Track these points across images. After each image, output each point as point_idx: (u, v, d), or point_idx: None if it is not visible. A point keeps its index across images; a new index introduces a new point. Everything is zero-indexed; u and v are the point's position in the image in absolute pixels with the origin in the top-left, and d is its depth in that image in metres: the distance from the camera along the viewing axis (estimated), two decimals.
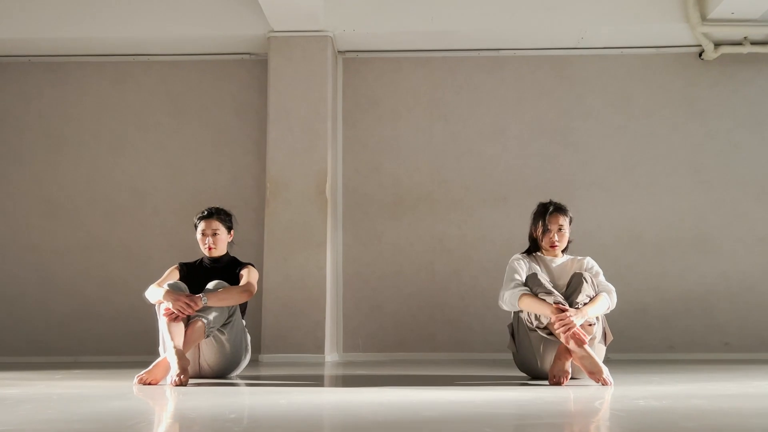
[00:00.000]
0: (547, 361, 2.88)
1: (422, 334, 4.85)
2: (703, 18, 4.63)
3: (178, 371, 2.65)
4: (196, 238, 3.27)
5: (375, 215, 4.98)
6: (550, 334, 2.77)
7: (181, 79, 5.17)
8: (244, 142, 5.05)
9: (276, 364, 4.09)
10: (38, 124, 5.11)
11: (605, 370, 2.61)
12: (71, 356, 4.78)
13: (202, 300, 2.88)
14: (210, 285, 2.98)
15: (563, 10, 4.77)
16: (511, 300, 2.88)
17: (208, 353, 2.99)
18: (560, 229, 3.05)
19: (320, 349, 4.42)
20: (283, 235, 4.58)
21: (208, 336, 2.88)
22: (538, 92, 5.09)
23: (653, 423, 1.68)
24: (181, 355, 2.69)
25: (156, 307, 2.90)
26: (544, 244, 3.08)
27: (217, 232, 3.20)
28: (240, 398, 2.28)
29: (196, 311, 2.84)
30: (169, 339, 2.75)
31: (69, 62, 5.17)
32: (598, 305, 2.79)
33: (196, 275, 3.15)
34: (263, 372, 3.54)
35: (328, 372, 3.56)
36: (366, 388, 2.60)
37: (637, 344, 4.73)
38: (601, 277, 3.04)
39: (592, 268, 3.07)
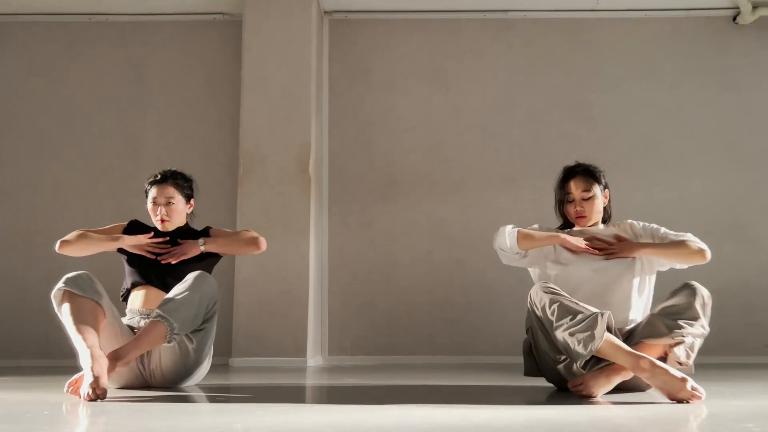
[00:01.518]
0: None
1: (419, 335, 4.22)
2: None
3: (91, 379, 1.97)
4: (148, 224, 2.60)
5: (365, 198, 4.34)
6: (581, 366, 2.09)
7: (144, 42, 4.51)
8: (215, 114, 4.40)
9: (248, 370, 3.43)
10: None
11: (689, 380, 1.94)
12: (12, 360, 4.09)
13: (200, 245, 2.44)
14: (171, 293, 2.27)
15: None
16: (507, 239, 2.31)
17: (165, 359, 2.32)
18: (587, 198, 2.43)
19: (301, 352, 3.77)
20: (259, 219, 3.92)
21: (169, 342, 2.19)
22: (550, 60, 4.49)
23: None
24: (97, 355, 2.01)
25: (54, 302, 2.18)
26: (571, 218, 2.47)
27: (172, 200, 2.53)
28: (177, 421, 1.63)
29: (161, 308, 2.16)
30: (77, 334, 2.05)
31: (12, 22, 4.49)
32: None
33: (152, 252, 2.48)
34: (231, 381, 2.89)
35: (309, 381, 2.91)
36: (354, 406, 1.95)
37: None
38: (663, 231, 2.42)
39: (639, 232, 2.43)
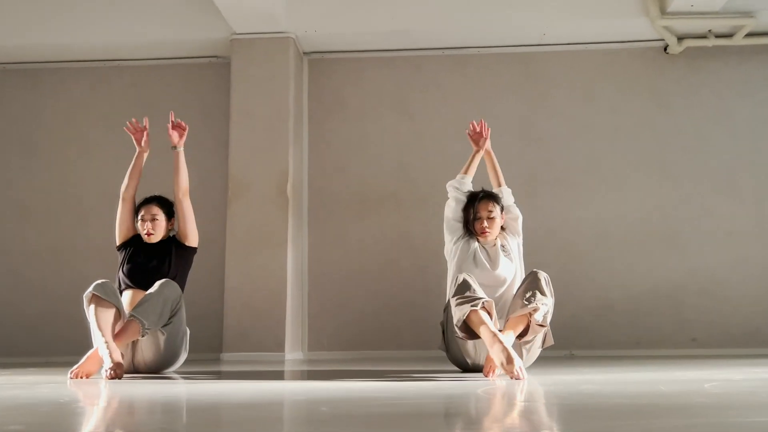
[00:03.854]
0: (481, 357, 2.87)
1: (387, 332, 4.85)
2: (663, 11, 4.59)
3: (111, 364, 2.67)
4: None
5: (341, 214, 5.00)
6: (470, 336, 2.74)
7: (151, 83, 5.25)
8: (210, 144, 5.11)
9: (233, 362, 4.12)
10: (12, 130, 5.23)
11: (518, 362, 2.55)
12: (42, 357, 4.86)
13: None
14: (143, 297, 2.92)
15: (524, 7, 4.76)
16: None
17: (146, 351, 2.99)
18: (490, 216, 3.06)
19: (280, 347, 4.45)
20: (245, 236, 4.62)
21: (143, 336, 2.87)
22: (502, 89, 5.08)
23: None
24: (113, 347, 2.71)
25: (84, 302, 2.91)
26: (477, 230, 3.08)
27: (156, 217, 3.18)
28: (173, 388, 2.31)
29: (134, 310, 2.85)
30: (98, 331, 2.77)
31: (42, 68, 5.28)
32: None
33: (139, 246, 3.16)
34: (217, 368, 3.57)
35: (273, 368, 3.58)
36: (304, 382, 2.61)
37: (602, 341, 4.68)
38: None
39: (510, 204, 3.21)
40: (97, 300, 2.84)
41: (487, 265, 3.01)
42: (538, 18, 4.76)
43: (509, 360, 2.49)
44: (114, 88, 5.25)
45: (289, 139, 4.74)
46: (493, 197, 3.17)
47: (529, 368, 2.91)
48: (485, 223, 3.07)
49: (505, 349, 2.52)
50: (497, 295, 2.99)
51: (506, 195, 3.24)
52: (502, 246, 3.11)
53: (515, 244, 3.17)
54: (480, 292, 2.74)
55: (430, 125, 5.07)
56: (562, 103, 5.03)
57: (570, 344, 4.55)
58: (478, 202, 3.14)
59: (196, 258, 4.73)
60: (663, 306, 4.73)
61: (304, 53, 5.14)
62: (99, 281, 2.92)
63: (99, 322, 2.80)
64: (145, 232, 3.18)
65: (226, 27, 4.83)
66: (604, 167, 4.94)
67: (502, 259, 3.04)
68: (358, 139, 5.08)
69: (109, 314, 2.83)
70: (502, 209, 3.17)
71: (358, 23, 4.83)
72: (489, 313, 2.69)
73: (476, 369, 2.91)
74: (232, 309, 4.55)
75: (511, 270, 3.06)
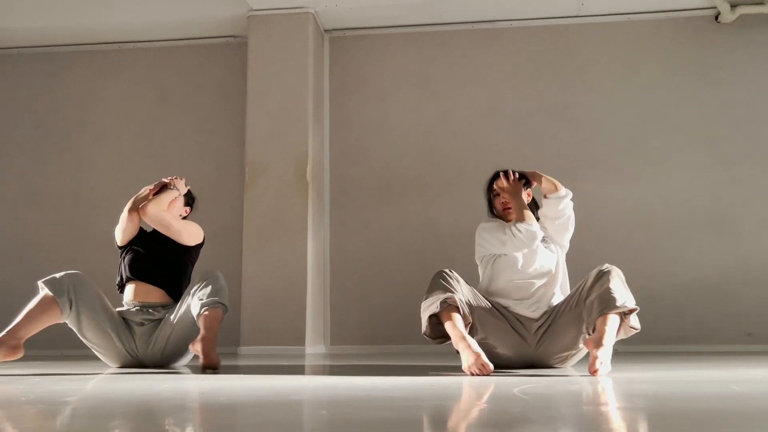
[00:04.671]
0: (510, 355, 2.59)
1: (413, 325, 4.55)
2: None
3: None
4: None
5: (362, 200, 4.73)
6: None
7: (167, 65, 5.04)
8: (227, 128, 4.88)
9: (250, 357, 3.89)
10: (25, 116, 5.07)
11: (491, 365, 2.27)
12: (56, 350, 4.69)
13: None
14: (208, 287, 2.65)
15: None
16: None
17: (175, 336, 2.70)
18: (511, 191, 2.74)
19: (300, 340, 4.21)
20: (262, 223, 4.38)
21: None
22: (535, 65, 4.74)
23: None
24: (3, 341, 2.55)
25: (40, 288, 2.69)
26: (498, 210, 2.79)
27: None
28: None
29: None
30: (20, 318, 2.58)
31: (55, 52, 5.11)
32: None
33: (140, 241, 2.93)
34: (233, 362, 3.34)
35: (291, 362, 3.33)
36: (319, 377, 2.36)
37: (644, 335, 4.29)
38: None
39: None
40: (42, 293, 2.64)
41: (523, 242, 2.65)
42: None
43: (478, 360, 2.25)
44: (128, 72, 5.06)
45: (308, 120, 4.48)
46: (513, 172, 2.82)
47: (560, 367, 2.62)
48: (503, 199, 2.74)
49: (474, 352, 2.26)
50: (534, 289, 2.66)
51: (556, 200, 2.75)
52: (543, 236, 2.73)
53: (557, 247, 2.76)
54: (452, 286, 2.48)
55: (458, 104, 4.76)
56: (600, 78, 4.67)
57: None
58: (494, 179, 2.82)
59: (210, 246, 4.50)
60: (711, 297, 4.36)
61: (324, 31, 4.87)
62: (58, 274, 2.71)
63: (27, 314, 2.60)
64: None
65: (243, 3, 4.58)
66: (647, 147, 4.58)
67: (541, 246, 2.70)
68: (381, 120, 4.80)
69: (45, 315, 2.60)
70: (526, 184, 2.82)
71: None
72: (457, 308, 2.42)
73: (508, 366, 2.63)
74: (250, 300, 4.32)
75: (552, 260, 2.69)
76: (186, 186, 3.06)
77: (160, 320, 2.77)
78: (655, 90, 4.62)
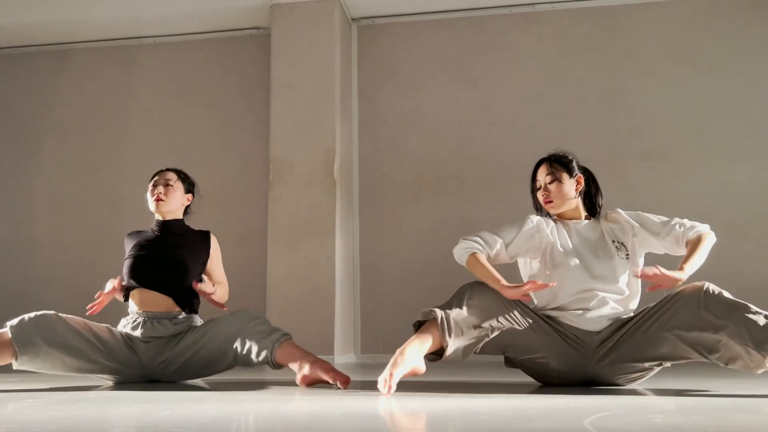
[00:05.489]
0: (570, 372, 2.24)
1: None
2: None
3: None
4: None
5: (395, 198, 4.42)
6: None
7: (187, 59, 4.81)
8: (252, 122, 4.62)
9: None
10: (42, 114, 4.90)
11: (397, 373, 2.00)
12: None
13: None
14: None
15: None
16: (459, 255, 2.32)
17: (207, 349, 2.41)
18: (553, 182, 2.35)
19: (329, 349, 3.90)
20: (288, 223, 4.10)
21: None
22: (581, 49, 4.38)
23: None
24: None
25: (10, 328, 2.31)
26: (540, 203, 2.40)
27: (171, 182, 2.58)
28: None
29: None
30: None
31: (71, 49, 4.93)
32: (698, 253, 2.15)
33: (142, 243, 2.60)
34: (258, 376, 3.04)
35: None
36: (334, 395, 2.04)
37: None
38: (654, 217, 2.30)
39: (633, 213, 2.33)
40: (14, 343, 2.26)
41: (583, 252, 2.29)
42: None
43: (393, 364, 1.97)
44: (148, 67, 4.85)
45: (335, 113, 4.19)
46: (556, 159, 2.42)
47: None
48: (545, 192, 2.35)
49: (393, 369, 1.97)
50: (595, 299, 2.27)
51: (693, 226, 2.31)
52: (615, 242, 2.30)
53: (631, 245, 2.31)
54: (457, 303, 2.16)
55: (497, 93, 4.42)
56: (653, 61, 4.28)
57: None
58: (537, 167, 2.44)
59: (235, 248, 4.26)
60: None
61: (352, 20, 4.58)
62: (28, 316, 2.33)
63: None
64: (155, 197, 2.57)
65: None
66: (707, 136, 4.17)
67: (611, 248, 2.27)
68: (413, 112, 4.48)
69: None
70: (572, 174, 2.43)
71: None
72: (437, 326, 2.09)
73: (562, 382, 2.27)
74: (276, 306, 4.04)
75: (623, 266, 2.25)
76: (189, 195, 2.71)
77: (167, 337, 2.47)
78: (715, 73, 4.21)
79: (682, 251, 2.27)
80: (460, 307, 2.14)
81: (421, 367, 2.07)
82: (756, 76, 4.16)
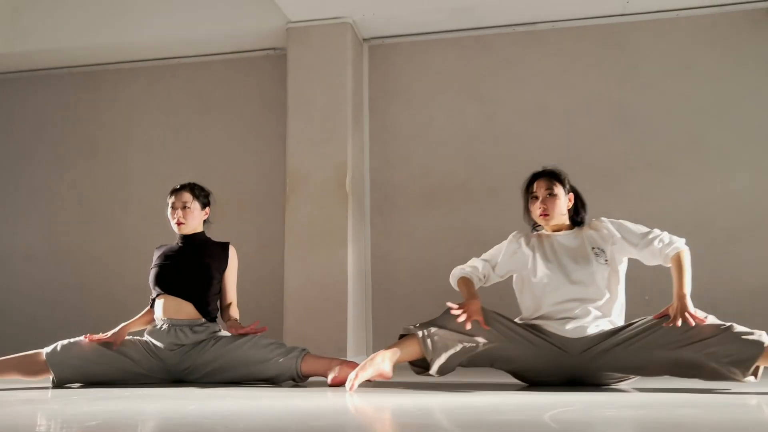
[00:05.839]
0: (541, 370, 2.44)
1: None
2: None
3: None
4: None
5: (405, 208, 4.65)
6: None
7: (209, 78, 5.10)
8: (270, 137, 4.89)
9: None
10: (75, 131, 5.23)
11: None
12: None
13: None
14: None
15: None
16: (452, 280, 2.69)
17: (239, 355, 2.67)
18: (550, 195, 2.56)
19: (342, 352, 4.13)
20: (304, 233, 4.35)
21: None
22: (584, 64, 4.56)
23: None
24: None
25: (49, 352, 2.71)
26: (535, 216, 2.61)
27: (188, 204, 2.88)
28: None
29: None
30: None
31: (102, 70, 5.25)
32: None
33: (166, 254, 2.90)
34: None
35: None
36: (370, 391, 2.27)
37: None
38: (637, 225, 2.49)
39: (615, 222, 2.51)
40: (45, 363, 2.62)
41: (562, 260, 2.49)
42: None
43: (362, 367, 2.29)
44: (171, 87, 5.15)
45: (347, 128, 4.43)
46: (554, 175, 2.66)
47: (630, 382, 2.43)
48: (542, 204, 2.57)
49: (363, 369, 2.31)
50: (577, 308, 2.45)
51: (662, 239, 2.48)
52: (595, 249, 2.49)
53: (610, 251, 2.49)
54: (437, 323, 2.44)
55: (503, 107, 4.63)
56: (653, 76, 4.45)
57: None
58: (535, 180, 2.65)
59: (255, 256, 4.54)
60: None
61: (363, 40, 4.83)
62: (62, 345, 2.70)
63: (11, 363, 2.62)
64: (175, 221, 2.88)
65: (281, 15, 4.59)
66: (706, 146, 4.32)
67: (589, 254, 2.46)
68: (422, 127, 4.71)
69: (28, 367, 2.62)
70: (567, 189, 2.64)
71: (417, 2, 4.45)
72: (416, 341, 2.39)
73: (550, 382, 2.47)
74: (293, 312, 4.29)
75: (602, 271, 2.44)
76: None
77: (189, 345, 2.72)
78: (713, 86, 4.37)
79: (657, 262, 2.46)
80: (441, 325, 2.37)
81: (387, 372, 2.33)
82: (752, 88, 4.31)
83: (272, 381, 2.65)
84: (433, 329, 2.38)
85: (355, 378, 2.26)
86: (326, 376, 2.58)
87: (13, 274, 5.12)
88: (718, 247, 4.23)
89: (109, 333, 2.73)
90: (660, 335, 2.29)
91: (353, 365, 2.54)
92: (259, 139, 4.93)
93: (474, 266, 2.61)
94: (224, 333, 2.79)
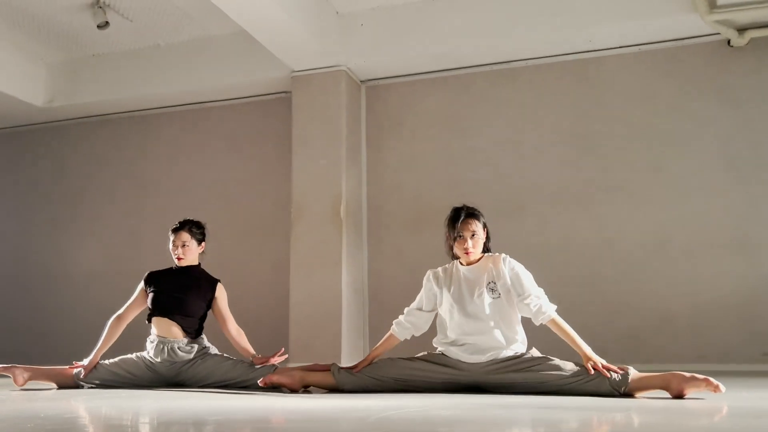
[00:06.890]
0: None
1: None
2: (713, 5, 4.29)
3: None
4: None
5: (397, 230, 5.27)
6: None
7: (235, 120, 5.90)
8: (282, 172, 5.63)
9: None
10: (127, 169, 6.16)
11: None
12: None
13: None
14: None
15: (564, 15, 4.71)
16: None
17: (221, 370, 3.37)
18: (473, 235, 2.92)
19: (338, 358, 4.82)
20: (306, 255, 5.07)
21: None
22: (554, 98, 5.04)
23: None
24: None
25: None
26: (457, 251, 3.00)
27: (186, 243, 3.56)
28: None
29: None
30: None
31: (148, 115, 6.16)
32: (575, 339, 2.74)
33: (162, 281, 3.56)
34: None
35: None
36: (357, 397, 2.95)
37: (662, 355, 4.49)
38: (526, 281, 2.85)
39: (513, 269, 2.88)
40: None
41: (463, 293, 2.93)
42: (580, 24, 4.67)
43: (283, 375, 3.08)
44: (203, 127, 5.98)
45: (341, 163, 5.11)
46: (475, 215, 2.99)
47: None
48: (468, 243, 2.91)
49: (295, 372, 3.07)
50: (478, 335, 2.86)
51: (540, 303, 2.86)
52: (490, 283, 2.89)
53: (504, 289, 2.89)
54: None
55: (482, 139, 5.17)
56: (618, 107, 4.88)
57: (628, 359, 4.42)
58: (460, 221, 2.96)
59: (266, 274, 5.30)
60: (730, 318, 4.42)
61: (360, 81, 5.48)
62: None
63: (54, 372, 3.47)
64: (176, 256, 3.58)
65: (286, 66, 5.31)
66: (666, 171, 4.72)
67: (484, 289, 2.88)
68: (413, 158, 5.32)
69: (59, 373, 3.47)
70: (485, 225, 3.03)
71: (404, 49, 5.05)
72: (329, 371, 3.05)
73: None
74: (297, 323, 5.01)
75: (496, 304, 2.85)
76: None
77: (182, 362, 3.39)
78: (672, 113, 4.75)
79: (529, 317, 2.88)
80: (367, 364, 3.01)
81: (294, 384, 3.01)
82: (708, 117, 4.66)
83: (247, 385, 3.34)
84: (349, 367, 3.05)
85: (268, 378, 3.00)
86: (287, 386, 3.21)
87: (78, 288, 6.10)
88: (675, 264, 4.62)
89: (85, 360, 3.54)
90: (536, 371, 2.74)
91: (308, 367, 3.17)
92: (274, 172, 5.68)
93: (406, 313, 3.20)
94: (213, 350, 3.49)
